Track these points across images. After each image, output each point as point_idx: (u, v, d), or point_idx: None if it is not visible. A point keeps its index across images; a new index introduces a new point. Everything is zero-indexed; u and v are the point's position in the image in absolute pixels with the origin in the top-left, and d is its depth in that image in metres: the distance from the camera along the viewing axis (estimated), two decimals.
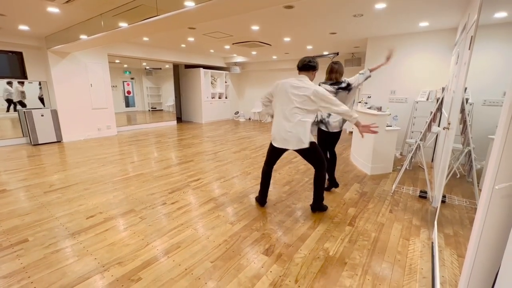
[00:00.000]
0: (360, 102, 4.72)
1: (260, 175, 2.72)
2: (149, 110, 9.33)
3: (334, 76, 2.84)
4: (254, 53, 7.54)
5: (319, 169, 2.49)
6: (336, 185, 3.23)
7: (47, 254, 1.93)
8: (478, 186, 2.36)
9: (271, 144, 2.52)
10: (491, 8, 2.03)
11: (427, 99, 4.50)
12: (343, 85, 2.79)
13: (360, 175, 3.81)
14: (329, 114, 2.87)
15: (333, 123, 2.87)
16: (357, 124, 2.30)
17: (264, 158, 2.71)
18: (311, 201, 2.86)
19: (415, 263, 1.89)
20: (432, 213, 2.66)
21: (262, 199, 2.75)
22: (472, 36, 1.81)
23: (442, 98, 2.65)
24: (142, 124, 8.26)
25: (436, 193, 2.68)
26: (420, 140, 2.85)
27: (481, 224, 0.87)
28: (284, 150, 2.47)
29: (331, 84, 2.83)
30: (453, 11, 3.48)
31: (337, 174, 3.82)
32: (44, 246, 2.02)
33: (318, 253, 1.99)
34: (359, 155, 4.23)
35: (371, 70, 2.88)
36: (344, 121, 2.89)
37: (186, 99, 9.96)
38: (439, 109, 2.70)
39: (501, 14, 2.04)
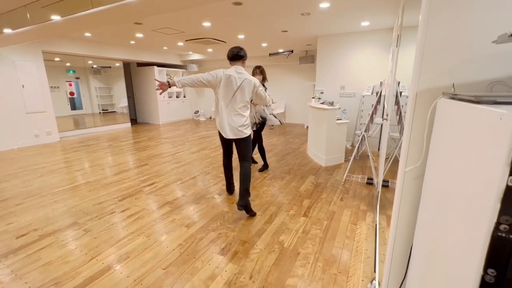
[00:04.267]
0: (313, 97, 4.93)
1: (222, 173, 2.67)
2: (100, 112, 8.58)
3: (264, 81, 3.48)
4: (210, 50, 7.39)
5: (246, 159, 2.57)
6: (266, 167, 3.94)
7: None
8: None
9: (220, 135, 2.58)
10: (414, 13, 2.26)
11: (372, 93, 4.89)
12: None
13: (316, 167, 3.99)
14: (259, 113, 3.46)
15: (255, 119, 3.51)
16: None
17: None
18: (268, 197, 2.91)
19: (361, 246, 2.04)
20: (377, 198, 2.90)
21: (229, 187, 3.00)
22: (398, 35, 2.00)
23: (381, 92, 2.90)
24: (92, 128, 7.58)
25: (379, 179, 2.93)
26: (365, 131, 3.08)
27: (398, 203, 0.97)
28: (232, 139, 2.52)
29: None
30: (388, 12, 3.81)
31: (294, 168, 3.95)
32: None
33: (274, 246, 2.03)
34: (314, 148, 4.43)
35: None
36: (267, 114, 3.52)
37: (140, 99, 9.39)
38: (379, 101, 2.95)
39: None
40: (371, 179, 3.27)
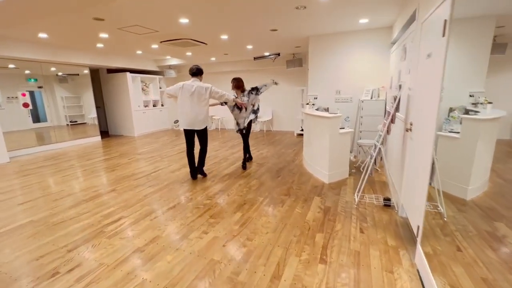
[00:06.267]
0: (307, 104, 4.41)
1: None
2: (68, 124, 7.55)
3: (241, 88, 4.05)
4: (189, 54, 6.71)
5: (205, 146, 3.71)
6: (250, 159, 4.67)
7: None
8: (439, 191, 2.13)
9: (184, 130, 3.57)
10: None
11: (371, 98, 4.45)
12: (251, 90, 4.02)
13: (318, 185, 3.42)
14: (240, 115, 4.05)
15: (241, 122, 4.08)
16: (235, 101, 3.74)
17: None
18: (270, 233, 2.28)
19: None
20: (402, 226, 2.36)
21: (192, 174, 3.75)
22: (446, 20, 1.48)
23: (400, 97, 2.40)
24: (54, 144, 6.58)
25: (399, 199, 2.41)
26: (381, 144, 2.55)
27: None
28: (194, 131, 3.57)
29: (244, 91, 4.05)
30: (391, 6, 3.37)
31: (294, 187, 3.36)
32: None
33: None
34: (313, 161, 3.87)
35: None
36: (254, 117, 4.14)
37: (112, 109, 8.46)
38: (397, 108, 2.45)
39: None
40: (389, 200, 2.74)
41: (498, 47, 1.91)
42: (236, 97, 3.88)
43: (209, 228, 2.39)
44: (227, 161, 4.74)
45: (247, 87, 4.09)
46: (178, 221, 2.55)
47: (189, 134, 3.58)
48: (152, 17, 3.59)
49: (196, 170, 3.76)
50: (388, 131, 2.51)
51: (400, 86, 2.46)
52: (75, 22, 3.74)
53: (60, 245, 2.17)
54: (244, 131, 4.13)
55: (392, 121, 2.47)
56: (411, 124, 2.27)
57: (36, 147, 6.21)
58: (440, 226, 2.38)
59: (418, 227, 1.83)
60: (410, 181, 2.24)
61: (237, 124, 4.11)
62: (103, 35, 4.54)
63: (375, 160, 2.61)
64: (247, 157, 4.45)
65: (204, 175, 3.83)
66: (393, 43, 4.22)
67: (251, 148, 4.89)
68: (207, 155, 4.46)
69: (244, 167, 4.26)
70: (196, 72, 3.49)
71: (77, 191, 3.43)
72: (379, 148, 2.58)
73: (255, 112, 4.11)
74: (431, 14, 1.85)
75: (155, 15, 3.51)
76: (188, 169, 3.84)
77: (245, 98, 3.97)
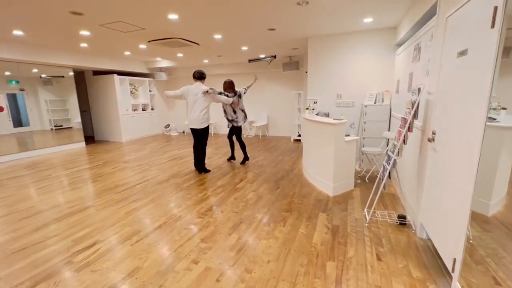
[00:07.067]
0: (307, 108, 4.11)
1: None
2: (52, 128, 7.05)
3: (231, 90, 4.36)
4: (180, 55, 6.35)
5: (202, 146, 4.11)
6: (247, 159, 4.82)
7: None
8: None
9: (191, 130, 4.05)
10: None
11: (375, 102, 4.18)
12: (238, 93, 4.41)
13: (322, 199, 3.09)
14: (236, 116, 4.45)
15: (239, 121, 4.49)
16: (234, 102, 4.26)
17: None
18: (272, 261, 1.93)
19: None
20: (424, 250, 2.05)
21: (198, 167, 4.23)
22: (496, 7, 1.19)
23: (419, 102, 2.11)
24: (33, 151, 6.07)
25: (417, 216, 2.09)
26: (397, 155, 2.25)
27: None
28: (199, 130, 3.97)
29: (232, 93, 4.37)
30: (400, 4, 3.12)
31: (295, 201, 3.02)
32: None
33: None
34: (315, 171, 3.55)
35: (246, 88, 4.59)
36: (244, 119, 4.51)
37: (98, 113, 7.99)
38: (416, 115, 2.15)
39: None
40: (404, 217, 2.43)
41: (503, 50, 1.66)
42: (232, 98, 4.29)
43: (200, 256, 2.02)
44: (221, 170, 4.37)
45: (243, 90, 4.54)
46: (164, 245, 2.17)
47: (193, 131, 4.07)
48: (137, 12, 3.23)
49: (199, 164, 4.20)
50: (404, 141, 2.21)
51: (419, 90, 2.16)
52: (50, 16, 3.34)
53: (13, 283, 1.76)
54: (237, 126, 4.55)
55: (410, 129, 2.17)
56: (433, 134, 1.97)
57: (13, 154, 5.69)
58: (468, 250, 2.08)
59: (455, 260, 1.51)
60: (435, 200, 1.93)
61: (232, 122, 4.52)
62: (84, 33, 4.14)
63: (389, 173, 2.30)
64: (242, 159, 4.84)
65: (205, 171, 4.22)
66: (398, 44, 3.98)
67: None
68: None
69: (231, 159, 4.97)
70: (200, 77, 3.96)
71: (48, 208, 3.00)
72: (394, 160, 2.27)
73: (246, 116, 4.56)
74: (464, 5, 1.57)
75: (140, 10, 3.15)
76: (176, 180, 3.47)
77: (234, 98, 4.36)
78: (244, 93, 4.50)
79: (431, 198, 2.02)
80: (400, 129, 2.33)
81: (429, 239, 2.17)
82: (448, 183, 1.73)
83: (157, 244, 2.19)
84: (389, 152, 2.44)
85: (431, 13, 2.42)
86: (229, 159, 4.98)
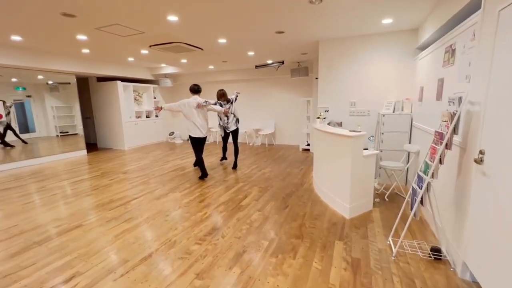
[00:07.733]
0: (318, 117, 3.76)
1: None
2: (58, 135, 6.91)
3: (223, 98, 4.64)
4: (184, 61, 6.12)
5: (201, 153, 4.26)
6: (235, 166, 4.96)
7: None
8: None
9: (190, 138, 4.17)
10: None
11: (393, 111, 3.79)
12: (231, 100, 4.69)
13: (337, 222, 2.70)
14: (228, 121, 4.67)
15: (231, 126, 4.71)
16: (224, 112, 4.51)
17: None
18: None
19: None
20: None
21: (205, 174, 4.31)
22: None
23: (460, 113, 1.74)
24: (33, 159, 5.88)
25: (456, 250, 1.69)
26: (432, 177, 1.86)
27: None
28: (199, 138, 4.14)
29: (226, 101, 4.67)
30: (425, 2, 2.76)
31: (306, 224, 2.64)
32: None
33: None
34: (328, 188, 3.17)
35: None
36: (236, 123, 4.75)
37: (101, 120, 7.82)
38: (456, 130, 1.78)
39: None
40: (439, 251, 2.02)
41: None
42: (223, 107, 4.59)
43: None
44: (223, 184, 4.04)
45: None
46: (152, 282, 1.83)
47: (194, 141, 4.21)
48: (133, 14, 2.98)
49: (206, 171, 4.34)
50: (441, 160, 1.83)
51: (459, 99, 1.79)
52: (43, 19, 3.12)
53: None
54: (229, 132, 4.80)
55: (448, 146, 1.80)
56: (481, 154, 1.59)
57: (8, 163, 5.50)
58: None
59: None
60: (486, 235, 1.54)
61: (225, 129, 4.79)
62: (81, 37, 3.93)
63: (421, 198, 1.91)
64: (234, 165, 4.99)
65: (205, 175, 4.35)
66: (420, 48, 3.61)
67: (252, 166, 4.85)
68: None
69: (224, 158, 5.32)
70: (197, 90, 4.17)
71: (33, 227, 2.71)
72: (428, 183, 1.89)
73: (237, 120, 4.81)
74: None
75: (136, 11, 2.89)
76: (176, 195, 3.15)
77: (227, 106, 4.62)
78: (235, 99, 4.77)
79: (479, 232, 1.62)
80: (434, 145, 1.96)
81: (475, 282, 1.76)
82: (506, 216, 1.34)
83: (144, 281, 1.85)
84: (419, 172, 2.06)
85: (469, 9, 2.06)
86: (221, 160, 5.40)
